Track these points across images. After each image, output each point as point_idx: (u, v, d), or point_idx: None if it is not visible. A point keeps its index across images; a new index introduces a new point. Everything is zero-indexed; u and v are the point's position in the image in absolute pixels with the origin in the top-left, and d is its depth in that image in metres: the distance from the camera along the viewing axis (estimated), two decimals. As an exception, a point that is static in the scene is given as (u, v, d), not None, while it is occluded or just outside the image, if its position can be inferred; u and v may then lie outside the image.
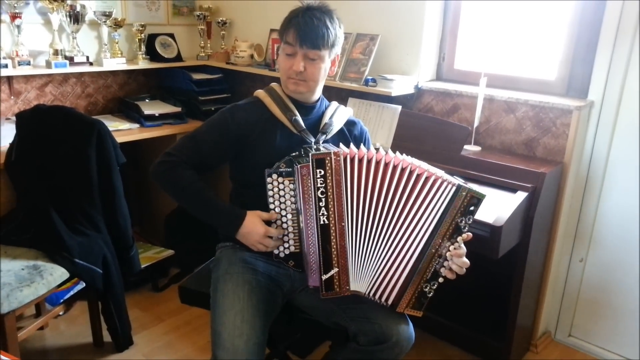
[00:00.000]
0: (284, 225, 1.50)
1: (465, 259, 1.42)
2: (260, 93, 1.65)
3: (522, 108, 2.19)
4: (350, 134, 1.70)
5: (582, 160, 2.18)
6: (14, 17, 2.42)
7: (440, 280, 1.44)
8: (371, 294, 1.48)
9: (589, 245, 2.26)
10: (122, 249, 2.24)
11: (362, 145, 1.55)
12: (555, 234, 2.21)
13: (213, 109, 3.00)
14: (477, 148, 2.24)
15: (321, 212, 1.39)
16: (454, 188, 1.38)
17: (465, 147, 2.21)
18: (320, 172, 1.38)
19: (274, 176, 1.45)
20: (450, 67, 2.49)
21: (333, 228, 1.40)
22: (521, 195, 1.92)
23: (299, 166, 1.41)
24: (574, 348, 2.39)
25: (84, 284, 2.20)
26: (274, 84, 1.67)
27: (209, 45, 3.21)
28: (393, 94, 2.31)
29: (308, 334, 2.19)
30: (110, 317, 2.20)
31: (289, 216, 1.48)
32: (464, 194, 1.36)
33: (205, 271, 1.77)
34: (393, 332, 1.47)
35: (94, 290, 2.17)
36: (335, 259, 1.41)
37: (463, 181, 1.41)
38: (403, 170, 1.41)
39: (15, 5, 2.42)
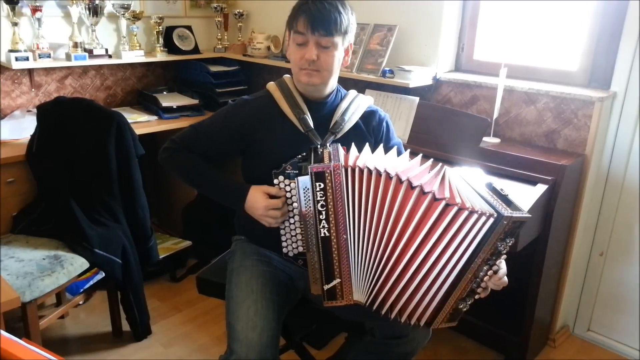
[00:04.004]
0: (292, 227, 1.47)
1: (504, 279, 1.33)
2: (271, 86, 1.59)
3: (543, 99, 2.16)
4: (368, 127, 1.59)
5: (604, 152, 2.14)
6: (35, 10, 2.44)
7: (477, 297, 1.36)
8: (384, 312, 1.39)
9: (610, 239, 2.22)
10: (141, 240, 2.27)
11: (380, 146, 1.48)
12: (576, 227, 2.18)
13: (230, 101, 3.00)
14: (497, 140, 2.21)
15: (322, 224, 1.33)
16: (492, 220, 1.22)
17: (485, 139, 2.18)
18: (319, 185, 1.31)
19: (281, 178, 1.44)
20: (470, 58, 2.46)
21: (334, 240, 1.34)
22: (541, 188, 1.89)
23: (298, 179, 1.36)
24: (593, 342, 2.36)
25: (104, 274, 2.23)
26: (286, 77, 1.60)
27: (226, 37, 3.21)
28: (411, 85, 2.28)
29: (324, 326, 2.20)
30: (129, 306, 2.24)
31: (297, 217, 1.45)
32: (505, 222, 1.21)
33: (222, 262, 1.78)
34: (409, 328, 1.45)
35: (113, 280, 2.20)
36: (337, 270, 1.36)
37: (503, 203, 1.26)
38: (421, 190, 1.29)
39: (36, -2, 2.45)
